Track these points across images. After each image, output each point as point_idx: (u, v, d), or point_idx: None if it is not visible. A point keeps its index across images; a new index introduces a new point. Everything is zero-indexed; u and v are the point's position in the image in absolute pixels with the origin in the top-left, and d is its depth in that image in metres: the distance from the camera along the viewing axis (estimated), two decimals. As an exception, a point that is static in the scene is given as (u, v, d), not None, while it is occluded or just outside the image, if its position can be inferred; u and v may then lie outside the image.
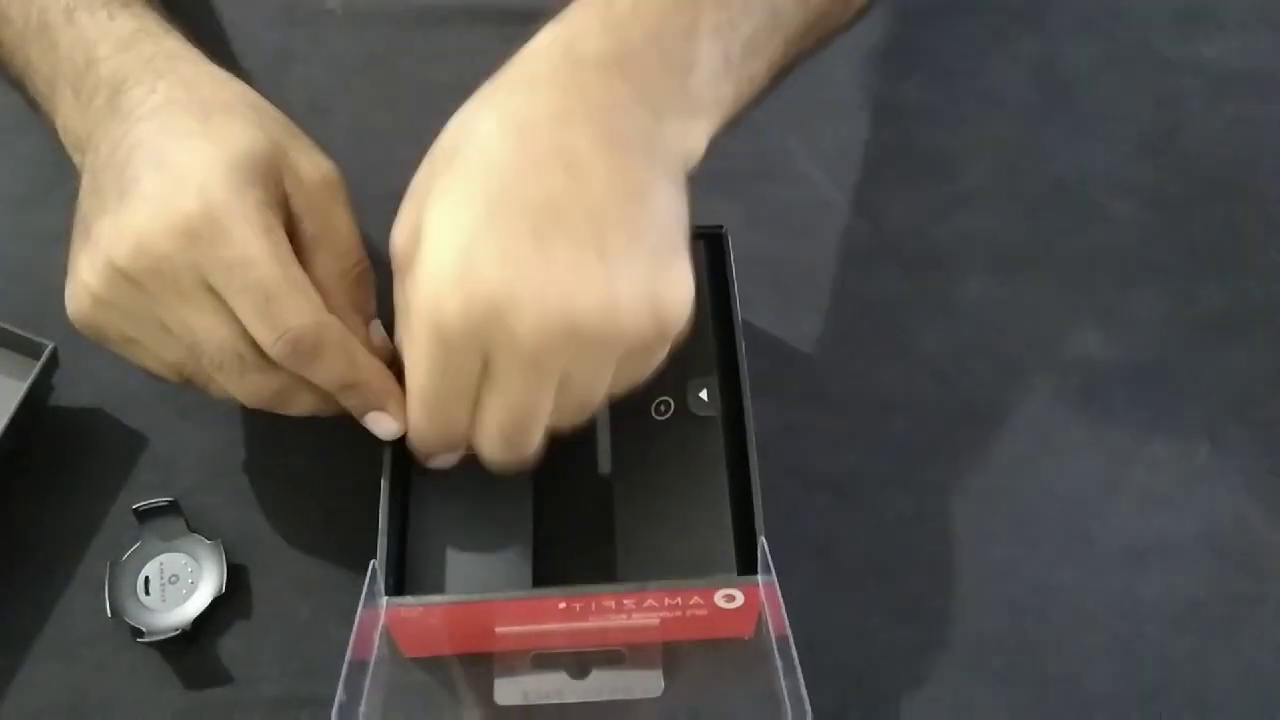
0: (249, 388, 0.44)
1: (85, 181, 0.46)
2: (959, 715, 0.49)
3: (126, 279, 0.42)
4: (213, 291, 0.42)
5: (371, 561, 0.43)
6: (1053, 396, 0.56)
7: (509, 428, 0.42)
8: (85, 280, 0.43)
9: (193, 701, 0.48)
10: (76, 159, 0.48)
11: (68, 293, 0.45)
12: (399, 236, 0.42)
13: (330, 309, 0.44)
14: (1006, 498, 0.53)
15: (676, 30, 0.44)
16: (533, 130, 0.41)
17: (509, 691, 0.46)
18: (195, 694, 0.48)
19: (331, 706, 0.40)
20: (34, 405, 0.51)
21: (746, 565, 0.45)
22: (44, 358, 0.50)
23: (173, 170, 0.42)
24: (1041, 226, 0.61)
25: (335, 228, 0.46)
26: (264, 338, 0.42)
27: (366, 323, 0.47)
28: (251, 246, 0.41)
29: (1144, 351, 0.57)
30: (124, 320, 0.44)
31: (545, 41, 0.44)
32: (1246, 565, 0.52)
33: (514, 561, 0.47)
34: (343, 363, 0.44)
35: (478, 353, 0.40)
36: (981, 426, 0.55)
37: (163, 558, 0.49)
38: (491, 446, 0.43)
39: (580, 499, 0.50)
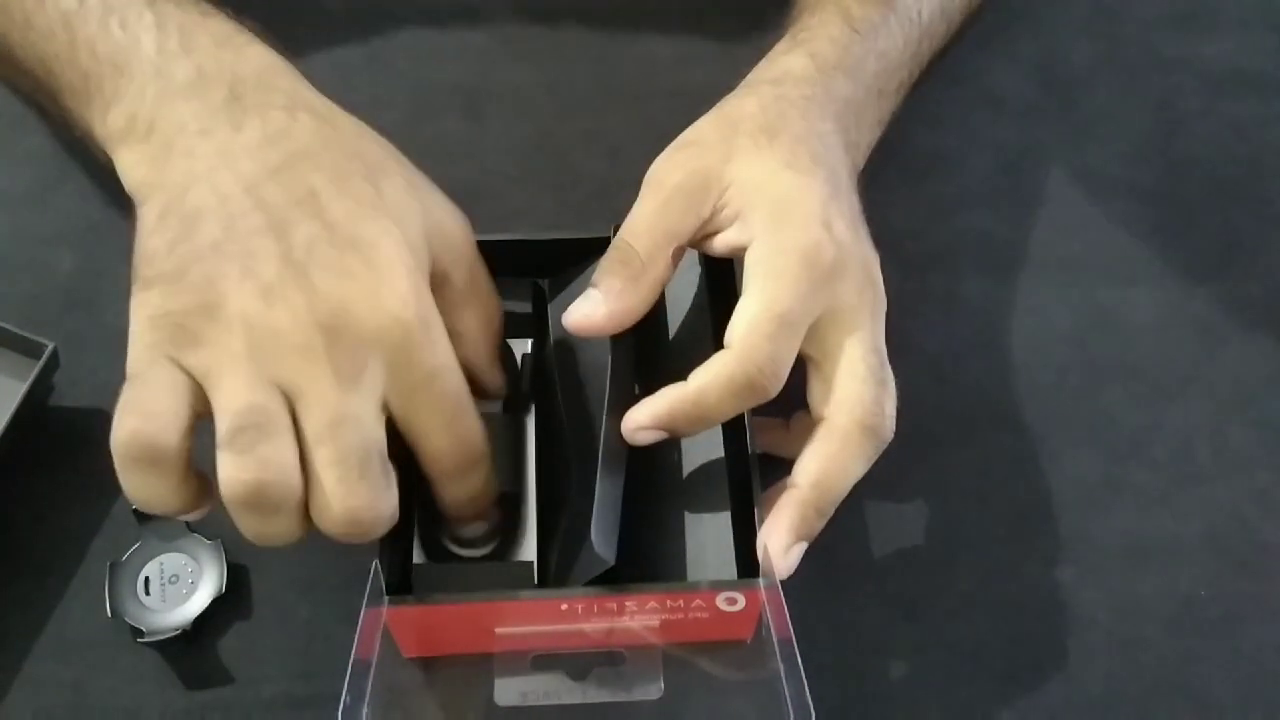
0: (355, 493, 0.39)
1: (213, 196, 0.41)
2: (959, 715, 0.49)
3: (319, 329, 0.39)
4: (375, 387, 0.40)
5: (373, 561, 0.43)
6: (1053, 396, 0.56)
7: None
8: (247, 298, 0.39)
9: (193, 701, 0.48)
10: (133, 150, 0.43)
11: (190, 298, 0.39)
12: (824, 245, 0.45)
13: (479, 357, 0.46)
14: (1006, 498, 0.53)
15: (883, 87, 0.54)
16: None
17: (508, 692, 0.46)
18: (195, 694, 0.48)
19: (331, 706, 0.40)
20: (34, 405, 0.51)
21: (747, 568, 0.45)
22: (44, 358, 0.50)
23: (373, 256, 0.40)
24: (1041, 226, 0.61)
25: (479, 279, 0.46)
26: (442, 447, 0.42)
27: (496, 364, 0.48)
28: (445, 355, 0.41)
29: (1144, 351, 0.57)
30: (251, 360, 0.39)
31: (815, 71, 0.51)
32: (1246, 565, 0.52)
33: (518, 563, 0.47)
34: (488, 468, 0.45)
35: None
36: (981, 426, 0.55)
37: (163, 558, 0.49)
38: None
39: (585, 503, 0.50)
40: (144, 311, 0.40)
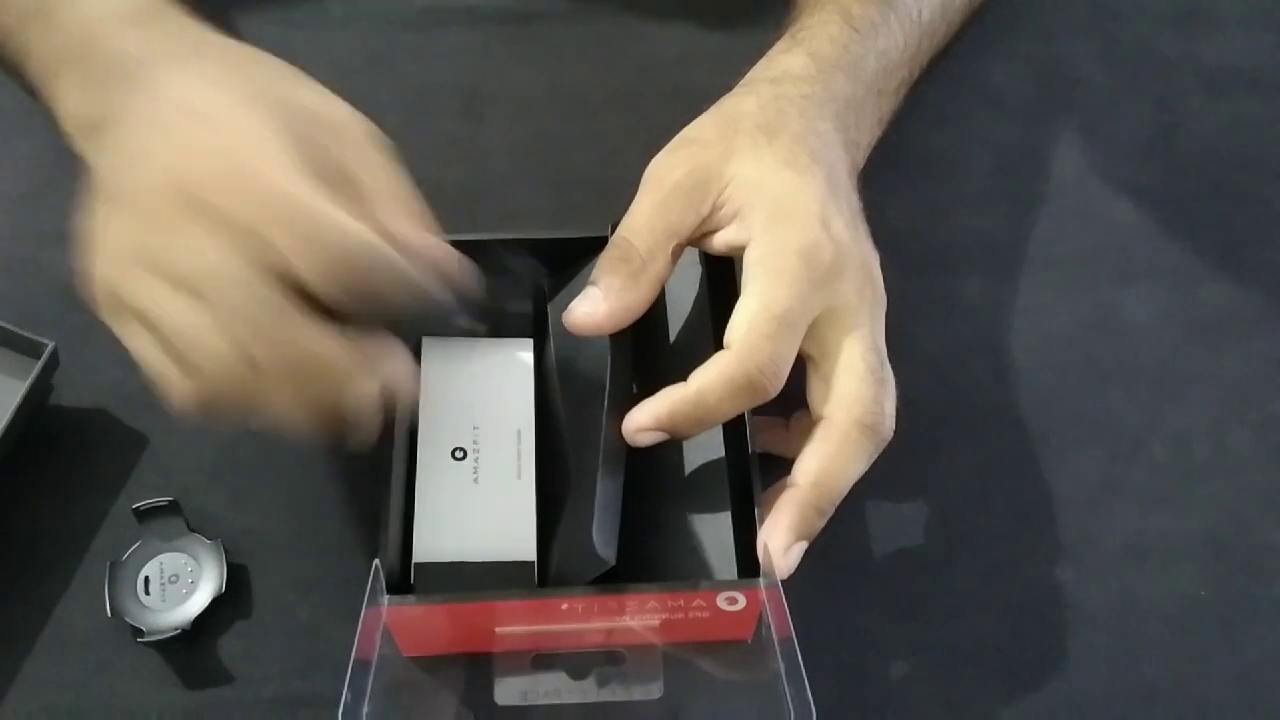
0: (238, 331, 0.38)
1: (121, 156, 0.41)
2: (959, 715, 0.49)
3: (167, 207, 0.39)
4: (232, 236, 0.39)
5: (374, 561, 0.43)
6: (1053, 396, 0.56)
7: None
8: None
9: (193, 701, 0.48)
10: (83, 143, 0.44)
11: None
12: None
13: (433, 251, 0.42)
14: (1006, 498, 0.53)
15: (884, 88, 0.54)
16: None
17: (509, 692, 0.46)
18: (195, 694, 0.48)
19: (331, 706, 0.40)
20: (34, 405, 0.51)
21: (747, 568, 0.45)
22: (44, 358, 0.50)
23: (218, 121, 0.40)
24: (1041, 226, 0.61)
25: (396, 183, 0.43)
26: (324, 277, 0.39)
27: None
28: (293, 184, 0.39)
29: (1144, 351, 0.57)
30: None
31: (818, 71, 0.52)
32: (1246, 565, 0.52)
33: (518, 563, 0.47)
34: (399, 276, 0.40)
35: None
36: (981, 426, 0.55)
37: (163, 558, 0.49)
38: None
39: (583, 503, 0.50)
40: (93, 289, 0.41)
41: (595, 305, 0.45)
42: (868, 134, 0.53)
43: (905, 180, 0.61)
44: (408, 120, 0.61)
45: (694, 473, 0.49)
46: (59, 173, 0.58)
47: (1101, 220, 0.61)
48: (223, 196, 0.39)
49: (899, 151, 0.57)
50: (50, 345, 0.51)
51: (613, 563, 0.43)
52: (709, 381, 0.43)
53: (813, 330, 0.45)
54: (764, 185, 0.46)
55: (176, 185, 0.39)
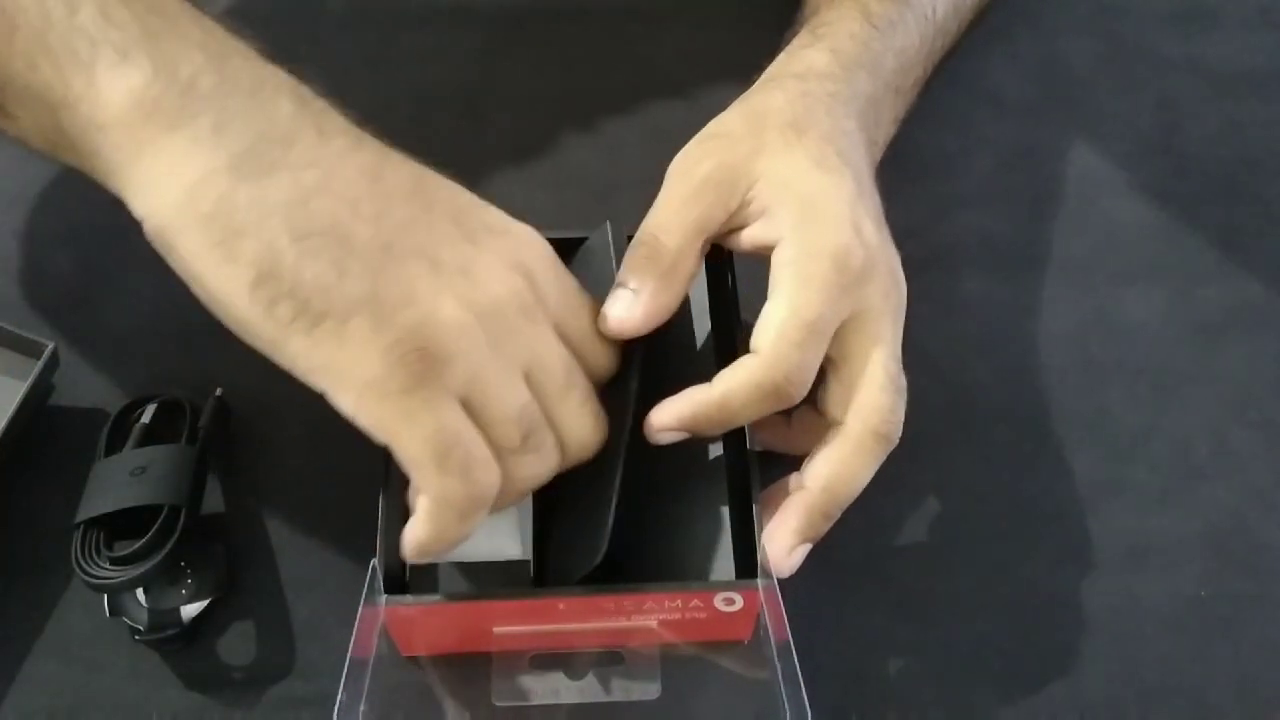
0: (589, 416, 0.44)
1: (339, 201, 0.39)
2: (959, 715, 0.49)
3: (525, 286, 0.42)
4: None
5: (371, 560, 0.43)
6: (1053, 396, 0.56)
7: None
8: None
9: (193, 701, 0.48)
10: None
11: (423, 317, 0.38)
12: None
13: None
14: (1006, 498, 0.53)
15: (902, 85, 0.54)
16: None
17: (506, 692, 0.46)
18: (195, 694, 0.48)
19: (330, 705, 0.40)
20: (34, 405, 0.51)
21: (746, 568, 0.45)
22: (44, 358, 0.50)
23: (501, 217, 0.44)
24: (1041, 226, 0.61)
25: None
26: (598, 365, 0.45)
27: None
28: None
29: (1144, 351, 0.57)
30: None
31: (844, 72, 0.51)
32: (1246, 565, 0.52)
33: (513, 562, 0.47)
34: None
35: None
36: (981, 426, 0.55)
37: (162, 558, 0.49)
38: None
39: (580, 501, 0.50)
40: (360, 349, 0.38)
41: (630, 309, 0.44)
42: (885, 133, 0.53)
43: (905, 180, 0.61)
44: (408, 120, 0.62)
45: (693, 471, 0.49)
46: (59, 173, 0.59)
47: (1101, 220, 0.61)
48: (556, 302, 0.43)
49: (899, 151, 0.57)
50: (50, 345, 0.51)
51: (602, 561, 0.43)
52: (735, 386, 0.43)
53: (836, 333, 0.44)
54: (794, 184, 0.45)
55: (524, 275, 0.42)
